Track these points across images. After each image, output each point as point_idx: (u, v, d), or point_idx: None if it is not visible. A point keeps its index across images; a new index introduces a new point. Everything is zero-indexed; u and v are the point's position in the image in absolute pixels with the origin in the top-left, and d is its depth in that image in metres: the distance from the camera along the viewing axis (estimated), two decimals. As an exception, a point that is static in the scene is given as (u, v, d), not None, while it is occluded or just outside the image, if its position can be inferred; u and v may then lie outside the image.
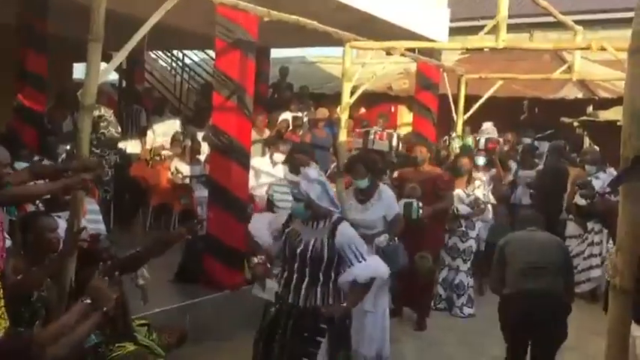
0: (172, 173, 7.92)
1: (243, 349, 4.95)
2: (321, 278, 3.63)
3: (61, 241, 3.65)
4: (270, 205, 5.44)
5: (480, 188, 6.70)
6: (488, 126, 8.66)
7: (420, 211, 5.61)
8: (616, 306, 2.53)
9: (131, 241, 6.56)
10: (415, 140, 7.03)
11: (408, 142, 9.85)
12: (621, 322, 2.54)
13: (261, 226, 3.91)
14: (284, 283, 3.73)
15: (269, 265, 3.85)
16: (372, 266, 3.69)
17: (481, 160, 7.46)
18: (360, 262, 3.61)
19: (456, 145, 8.38)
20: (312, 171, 3.74)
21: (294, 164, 4.62)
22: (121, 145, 7.66)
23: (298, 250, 3.65)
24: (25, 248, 3.44)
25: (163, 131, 8.74)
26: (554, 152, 8.56)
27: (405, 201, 5.63)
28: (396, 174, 6.74)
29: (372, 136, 8.30)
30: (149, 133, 8.82)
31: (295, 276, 3.67)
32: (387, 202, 5.02)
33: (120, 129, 7.28)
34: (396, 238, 4.94)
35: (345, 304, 3.65)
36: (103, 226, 5.50)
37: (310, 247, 3.62)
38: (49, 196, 4.39)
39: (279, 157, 7.69)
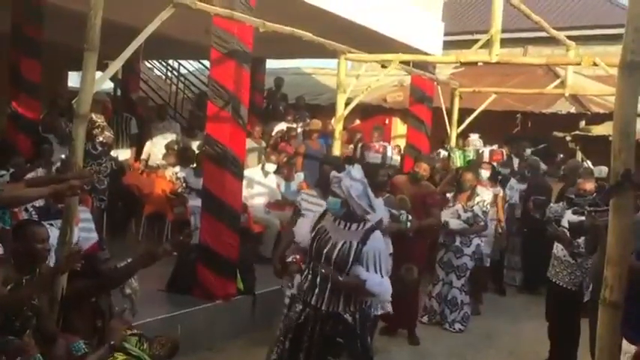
0: (179, 180, 7.76)
1: (234, 360, 4.95)
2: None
3: (52, 250, 3.64)
4: (297, 212, 5.50)
5: (480, 204, 6.58)
6: (474, 138, 8.67)
7: (409, 223, 5.62)
8: (606, 320, 2.53)
9: (123, 250, 6.54)
10: (419, 156, 7.01)
11: (406, 154, 9.89)
12: (611, 335, 2.55)
13: (305, 229, 3.83)
14: (308, 284, 3.66)
15: (302, 265, 3.85)
16: (385, 286, 3.65)
17: (485, 174, 7.42)
18: (377, 274, 3.58)
19: (457, 157, 8.35)
20: (356, 171, 3.66)
21: (322, 175, 4.66)
22: (112, 153, 7.63)
23: (325, 250, 3.60)
24: (15, 257, 3.42)
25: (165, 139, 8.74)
26: (535, 168, 8.66)
27: (399, 212, 5.65)
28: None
29: (389, 155, 8.27)
30: (148, 143, 8.80)
31: (319, 277, 3.61)
32: (380, 210, 5.03)
33: (112, 132, 7.25)
34: None
35: (342, 280, 3.55)
36: (95, 234, 5.47)
37: (338, 249, 3.57)
38: (41, 204, 4.38)
39: (271, 167, 7.71)
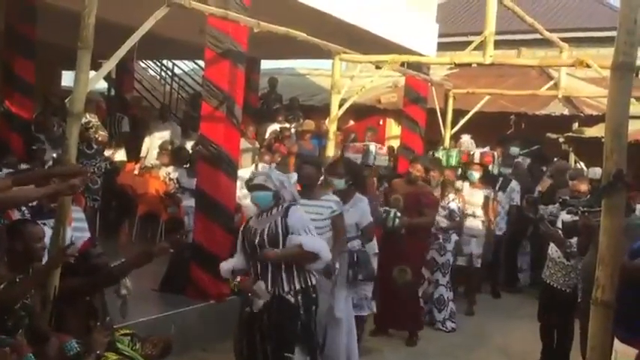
0: (172, 180, 7.74)
1: (228, 360, 4.94)
2: (283, 263, 3.86)
3: (46, 249, 3.63)
4: None
5: (455, 201, 6.65)
6: (466, 139, 8.69)
7: (397, 220, 5.64)
8: (597, 319, 2.55)
9: (117, 250, 6.52)
10: (414, 157, 7.03)
11: (400, 155, 9.92)
12: (603, 334, 2.56)
13: (227, 264, 4.21)
14: (252, 279, 3.95)
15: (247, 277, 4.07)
16: (319, 243, 3.93)
17: (475, 176, 7.40)
18: (308, 235, 3.89)
19: (442, 158, 8.36)
20: (275, 170, 4.16)
21: (304, 176, 4.75)
22: (106, 152, 7.61)
23: (256, 242, 3.89)
24: (9, 256, 3.41)
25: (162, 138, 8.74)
26: (520, 169, 8.72)
27: (384, 209, 5.67)
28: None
29: (372, 153, 8.28)
30: (145, 141, 8.80)
31: (259, 268, 3.91)
32: (361, 210, 5.06)
33: (106, 132, 7.24)
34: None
35: (278, 251, 3.84)
36: (88, 234, 5.43)
37: (266, 232, 3.87)
38: (35, 203, 4.37)
39: (264, 167, 7.70)
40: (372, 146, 8.20)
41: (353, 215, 4.99)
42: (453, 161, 8.12)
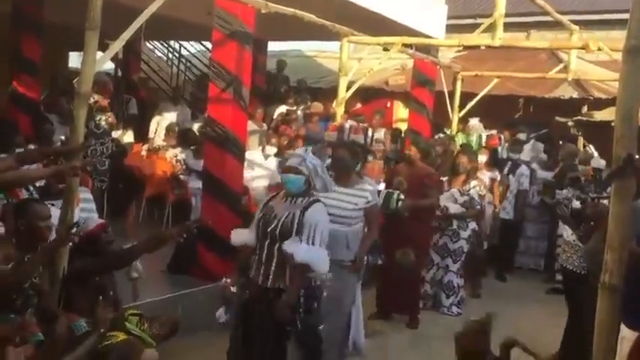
0: (179, 162, 7.76)
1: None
2: (287, 262, 3.65)
3: (54, 229, 3.66)
4: None
5: (476, 188, 6.53)
6: (475, 122, 8.65)
7: (400, 202, 5.57)
8: (605, 304, 2.55)
9: (124, 231, 6.55)
10: (414, 138, 7.02)
11: (407, 138, 9.90)
12: (610, 320, 2.56)
13: (241, 234, 3.97)
14: (255, 265, 3.76)
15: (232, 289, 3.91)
16: (315, 255, 3.66)
17: (482, 158, 7.36)
18: (307, 245, 3.64)
19: (460, 141, 8.33)
20: (311, 152, 3.88)
21: (337, 158, 4.68)
22: (114, 134, 7.62)
23: (269, 228, 3.69)
24: (16, 235, 3.43)
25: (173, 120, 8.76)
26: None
27: (387, 191, 5.63)
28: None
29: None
30: (153, 121, 8.81)
31: (265, 255, 3.71)
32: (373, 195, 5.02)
33: (114, 116, 7.24)
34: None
35: (288, 299, 3.62)
36: (96, 215, 5.47)
37: (281, 222, 3.67)
38: (42, 183, 4.39)
39: (272, 149, 7.69)
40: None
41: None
42: (474, 146, 8.10)
